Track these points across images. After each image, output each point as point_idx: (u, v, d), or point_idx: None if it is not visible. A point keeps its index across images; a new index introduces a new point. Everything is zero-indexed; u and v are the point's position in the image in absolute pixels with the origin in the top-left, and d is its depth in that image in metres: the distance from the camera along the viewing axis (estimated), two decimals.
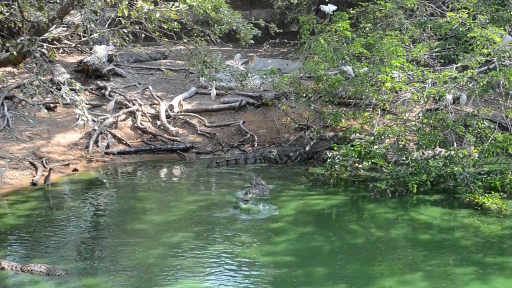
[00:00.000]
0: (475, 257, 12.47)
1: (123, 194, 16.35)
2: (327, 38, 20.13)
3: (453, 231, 13.83)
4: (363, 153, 17.02)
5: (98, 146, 19.31)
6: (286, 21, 29.39)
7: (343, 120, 19.89)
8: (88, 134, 19.89)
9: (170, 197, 16.19)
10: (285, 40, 26.39)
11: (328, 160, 17.40)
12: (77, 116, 16.42)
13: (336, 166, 17.21)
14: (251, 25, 17.12)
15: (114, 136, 20.29)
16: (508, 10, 19.93)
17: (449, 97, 18.22)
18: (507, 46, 17.25)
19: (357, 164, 17.55)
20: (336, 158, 17.30)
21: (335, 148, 17.70)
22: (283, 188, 16.89)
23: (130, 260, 12.14)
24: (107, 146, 19.38)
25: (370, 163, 17.37)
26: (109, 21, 22.27)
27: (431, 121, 17.54)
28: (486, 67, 18.86)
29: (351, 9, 22.60)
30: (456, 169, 15.94)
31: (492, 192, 15.25)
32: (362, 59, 19.59)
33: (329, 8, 20.90)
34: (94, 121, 18.80)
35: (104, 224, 14.41)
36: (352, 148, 17.08)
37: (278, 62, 26.49)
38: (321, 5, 22.85)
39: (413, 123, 18.20)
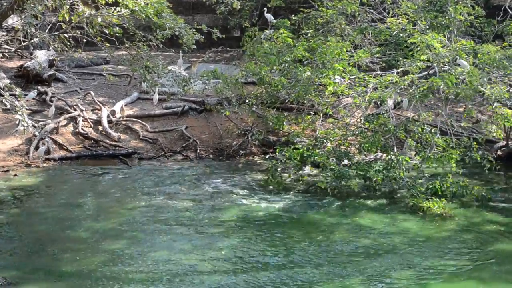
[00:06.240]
0: (415, 260, 12.65)
1: (63, 200, 16.14)
2: (269, 45, 20.22)
3: (393, 235, 14.00)
4: (305, 155, 17.14)
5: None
6: (229, 26, 29.44)
7: (285, 124, 20.00)
8: (28, 140, 19.60)
9: (111, 203, 16.01)
10: (227, 49, 26.51)
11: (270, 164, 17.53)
12: (17, 122, 16.25)
13: (279, 170, 17.34)
14: (194, 30, 17.13)
15: (55, 142, 19.99)
16: (447, 17, 20.25)
17: (390, 102, 18.40)
18: (447, 52, 17.57)
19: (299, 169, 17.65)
20: (278, 162, 17.42)
21: (277, 151, 17.80)
22: (224, 192, 16.84)
23: (71, 267, 12.02)
24: (48, 152, 19.12)
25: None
26: (50, 26, 22.09)
27: (372, 125, 17.71)
28: (426, 72, 19.11)
29: (293, 15, 22.73)
30: (397, 173, 16.13)
31: (433, 197, 15.46)
32: (305, 63, 19.66)
33: (270, 17, 21.17)
34: (35, 127, 18.55)
35: (44, 230, 14.18)
36: (294, 151, 17.18)
37: (220, 68, 26.45)
38: (265, 13, 22.99)
39: (355, 127, 18.38)
